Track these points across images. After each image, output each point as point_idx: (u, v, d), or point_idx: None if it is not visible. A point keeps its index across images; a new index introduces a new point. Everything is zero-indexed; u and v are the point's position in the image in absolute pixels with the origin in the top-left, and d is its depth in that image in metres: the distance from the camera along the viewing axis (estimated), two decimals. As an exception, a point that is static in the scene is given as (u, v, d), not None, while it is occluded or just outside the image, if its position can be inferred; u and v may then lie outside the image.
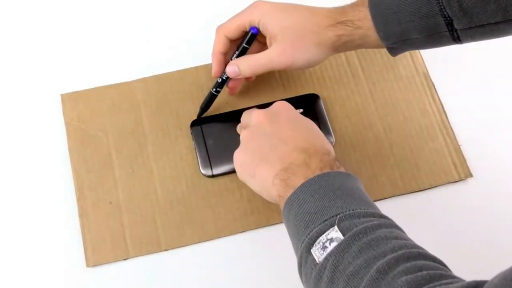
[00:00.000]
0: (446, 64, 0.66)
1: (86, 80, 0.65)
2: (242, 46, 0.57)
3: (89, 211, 0.58)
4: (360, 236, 0.40)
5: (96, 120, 0.62)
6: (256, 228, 0.58)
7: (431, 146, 0.62)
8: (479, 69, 0.66)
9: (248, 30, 0.56)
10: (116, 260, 0.57)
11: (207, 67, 0.65)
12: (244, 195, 0.59)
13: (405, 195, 0.60)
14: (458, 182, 0.61)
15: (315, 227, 0.42)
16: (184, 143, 0.61)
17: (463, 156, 0.61)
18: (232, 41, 0.57)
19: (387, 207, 0.59)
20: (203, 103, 0.61)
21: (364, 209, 0.43)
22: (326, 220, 0.42)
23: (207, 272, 0.56)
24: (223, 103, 0.63)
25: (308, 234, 0.42)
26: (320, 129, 0.60)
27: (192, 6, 0.70)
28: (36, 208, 0.59)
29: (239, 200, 0.59)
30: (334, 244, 0.40)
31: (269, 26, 0.54)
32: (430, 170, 0.61)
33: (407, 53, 0.66)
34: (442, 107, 0.64)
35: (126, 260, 0.57)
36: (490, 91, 0.65)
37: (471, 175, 0.61)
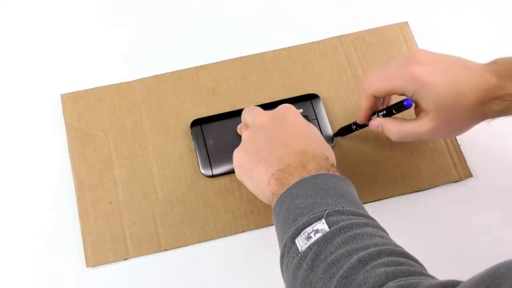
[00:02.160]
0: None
1: (86, 80, 0.65)
2: (391, 110, 0.53)
3: (89, 211, 0.58)
4: (346, 230, 0.40)
5: (96, 120, 0.62)
6: (256, 228, 0.58)
7: (431, 146, 0.62)
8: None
9: (401, 100, 0.51)
10: (116, 260, 0.57)
11: (207, 67, 0.65)
12: (244, 195, 0.59)
13: (405, 195, 0.60)
14: (458, 182, 0.61)
15: (302, 220, 0.42)
16: (184, 143, 0.61)
17: (463, 156, 0.61)
18: (378, 97, 0.55)
19: (387, 207, 0.59)
20: (340, 129, 0.61)
21: (354, 209, 0.43)
22: (314, 214, 0.42)
23: (207, 272, 0.56)
24: (223, 103, 0.64)
25: (295, 226, 0.42)
26: (320, 129, 0.61)
27: (191, 6, 0.70)
28: (36, 208, 0.59)
29: (239, 200, 0.59)
30: (319, 235, 0.40)
31: (423, 101, 0.49)
32: (430, 170, 0.61)
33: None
34: (442, 107, 0.64)
35: (126, 260, 0.57)
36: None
37: (471, 175, 0.61)
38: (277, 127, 0.51)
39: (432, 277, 0.37)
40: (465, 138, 0.62)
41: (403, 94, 0.51)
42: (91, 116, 0.63)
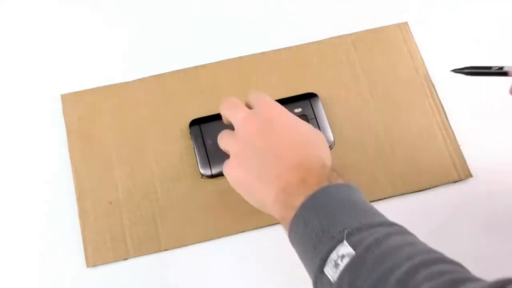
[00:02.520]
0: (446, 64, 0.66)
1: (86, 80, 0.65)
2: None
3: (89, 211, 0.58)
4: (372, 248, 0.38)
5: (96, 121, 0.62)
6: (256, 228, 0.58)
7: (431, 146, 0.62)
8: (479, 69, 0.66)
9: None
10: (116, 260, 0.57)
11: (207, 67, 0.65)
12: (244, 195, 0.59)
13: (405, 195, 0.60)
14: (458, 182, 0.61)
15: (324, 246, 0.40)
16: (184, 143, 0.61)
17: (463, 156, 0.61)
18: None
19: (387, 207, 0.59)
20: (473, 67, 0.56)
21: (371, 221, 0.41)
22: (333, 237, 0.40)
23: (207, 272, 0.57)
24: (223, 103, 0.64)
25: (318, 254, 0.40)
26: (319, 129, 0.60)
27: (191, 6, 0.70)
28: (36, 208, 0.59)
29: (239, 200, 0.59)
30: (346, 260, 0.38)
31: None
32: (430, 170, 0.61)
33: (407, 53, 0.66)
34: (442, 107, 0.64)
35: (126, 260, 0.57)
36: (490, 91, 0.65)
37: (471, 175, 0.61)
38: (266, 136, 0.48)
39: (476, 278, 0.35)
40: (465, 138, 0.62)
41: None
42: (91, 116, 0.63)
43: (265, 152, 0.47)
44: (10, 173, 0.61)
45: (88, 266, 0.56)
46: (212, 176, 0.59)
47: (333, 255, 0.39)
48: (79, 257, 0.57)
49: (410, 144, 0.62)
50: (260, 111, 0.50)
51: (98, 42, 0.68)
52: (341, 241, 0.39)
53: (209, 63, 0.66)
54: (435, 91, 0.64)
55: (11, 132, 0.63)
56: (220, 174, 0.60)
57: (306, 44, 0.67)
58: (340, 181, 0.45)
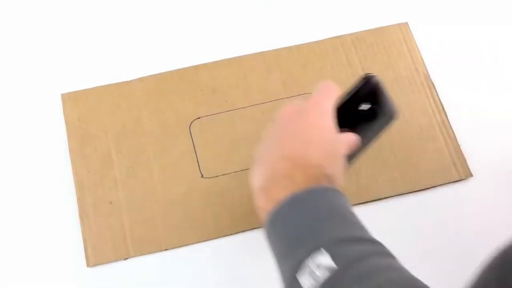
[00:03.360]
0: (446, 64, 0.66)
1: (86, 80, 0.65)
2: None
3: (89, 211, 0.58)
4: (354, 264, 0.37)
5: (96, 120, 0.62)
6: (256, 228, 0.58)
7: (431, 146, 0.62)
8: (479, 69, 0.66)
9: None
10: (116, 260, 0.57)
11: (207, 66, 0.65)
12: (244, 195, 0.59)
13: (405, 195, 0.60)
14: (458, 182, 0.61)
15: (300, 250, 0.39)
16: (184, 143, 0.62)
17: (463, 156, 0.61)
18: None
19: (387, 207, 0.59)
20: None
21: (354, 233, 0.40)
22: (312, 242, 0.39)
23: (207, 272, 0.57)
24: (223, 102, 0.64)
25: (294, 257, 0.39)
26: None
27: (191, 5, 0.70)
28: (36, 208, 0.59)
29: (239, 200, 0.59)
30: (323, 272, 0.36)
31: None
32: (430, 170, 0.61)
33: (407, 53, 0.66)
34: (442, 107, 0.64)
35: (126, 260, 0.57)
36: (490, 91, 0.65)
37: (471, 175, 0.61)
38: (289, 125, 0.46)
39: None
40: (465, 138, 0.62)
41: None
42: (91, 115, 0.63)
43: (278, 137, 0.46)
44: (10, 173, 0.61)
45: (88, 266, 0.56)
46: (213, 176, 0.60)
47: (309, 262, 0.37)
48: (79, 257, 0.57)
49: (410, 144, 0.62)
50: (308, 101, 0.47)
51: (98, 42, 0.68)
52: (318, 248, 0.38)
53: (209, 63, 0.66)
54: (435, 91, 0.64)
55: (11, 131, 0.63)
56: (221, 174, 0.60)
57: (306, 44, 0.67)
58: (326, 184, 0.43)
